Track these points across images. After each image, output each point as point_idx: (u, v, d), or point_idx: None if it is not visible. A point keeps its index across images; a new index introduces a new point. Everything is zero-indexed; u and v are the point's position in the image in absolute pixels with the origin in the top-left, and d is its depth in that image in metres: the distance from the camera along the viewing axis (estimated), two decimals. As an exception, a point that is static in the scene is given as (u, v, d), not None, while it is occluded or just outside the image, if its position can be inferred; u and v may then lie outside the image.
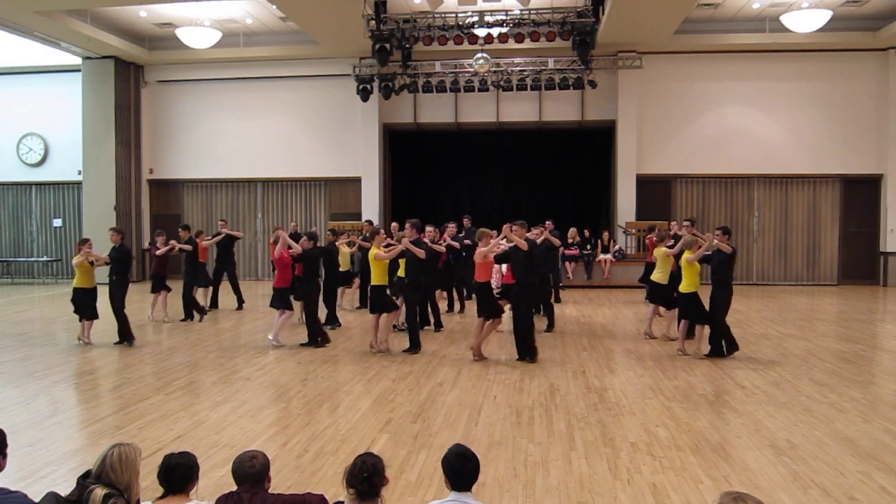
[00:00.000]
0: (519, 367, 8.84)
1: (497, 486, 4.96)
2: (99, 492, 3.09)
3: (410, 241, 9.67)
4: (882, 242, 18.50)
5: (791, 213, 18.90)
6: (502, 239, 9.69)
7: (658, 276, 10.53)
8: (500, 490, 4.89)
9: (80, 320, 10.50)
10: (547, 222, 13.15)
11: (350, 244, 13.13)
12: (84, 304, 10.38)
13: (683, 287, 9.33)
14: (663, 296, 10.48)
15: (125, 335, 10.44)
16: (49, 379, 8.36)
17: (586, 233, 18.04)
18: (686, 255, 9.23)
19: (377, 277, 9.62)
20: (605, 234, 18.08)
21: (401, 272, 10.41)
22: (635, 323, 12.32)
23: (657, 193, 19.02)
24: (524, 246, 8.95)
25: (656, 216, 18.50)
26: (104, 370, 8.92)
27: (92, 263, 10.34)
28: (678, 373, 8.47)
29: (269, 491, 3.35)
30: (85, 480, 3.20)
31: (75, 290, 10.43)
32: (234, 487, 3.31)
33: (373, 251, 9.58)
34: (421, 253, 9.58)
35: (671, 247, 10.46)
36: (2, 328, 12.25)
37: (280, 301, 10.35)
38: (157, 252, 12.63)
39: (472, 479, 3.30)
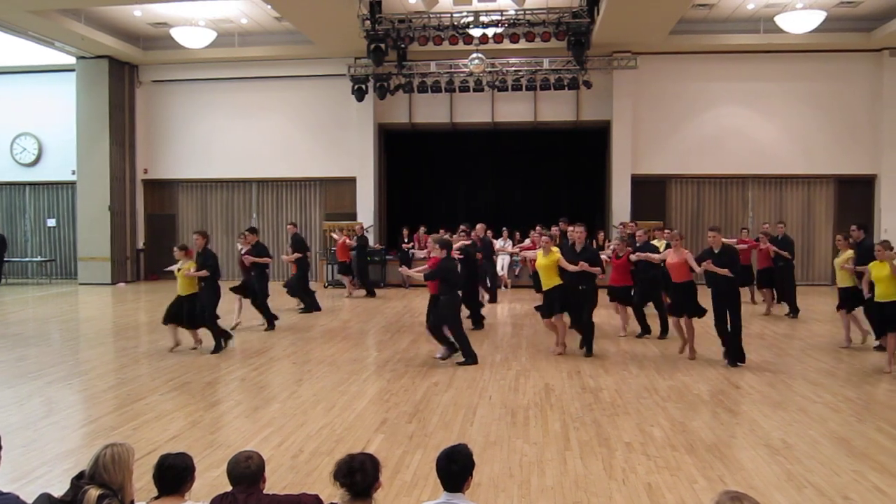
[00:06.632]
0: (514, 367, 8.86)
1: (492, 486, 4.97)
2: (93, 492, 3.08)
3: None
4: (876, 243, 18.53)
5: (785, 214, 18.92)
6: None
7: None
8: (496, 490, 4.89)
9: (190, 328, 10.02)
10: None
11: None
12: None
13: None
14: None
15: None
16: (43, 379, 8.33)
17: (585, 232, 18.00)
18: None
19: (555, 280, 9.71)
20: (601, 235, 18.07)
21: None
22: (632, 322, 12.29)
23: (652, 193, 19.05)
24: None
25: (651, 216, 18.53)
26: (99, 370, 8.89)
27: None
28: (673, 373, 8.49)
29: (265, 491, 3.35)
30: (79, 481, 3.19)
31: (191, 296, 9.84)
32: (229, 488, 3.31)
33: (551, 258, 9.57)
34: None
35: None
36: (-5, 329, 12.21)
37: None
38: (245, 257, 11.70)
39: (459, 480, 3.29)
